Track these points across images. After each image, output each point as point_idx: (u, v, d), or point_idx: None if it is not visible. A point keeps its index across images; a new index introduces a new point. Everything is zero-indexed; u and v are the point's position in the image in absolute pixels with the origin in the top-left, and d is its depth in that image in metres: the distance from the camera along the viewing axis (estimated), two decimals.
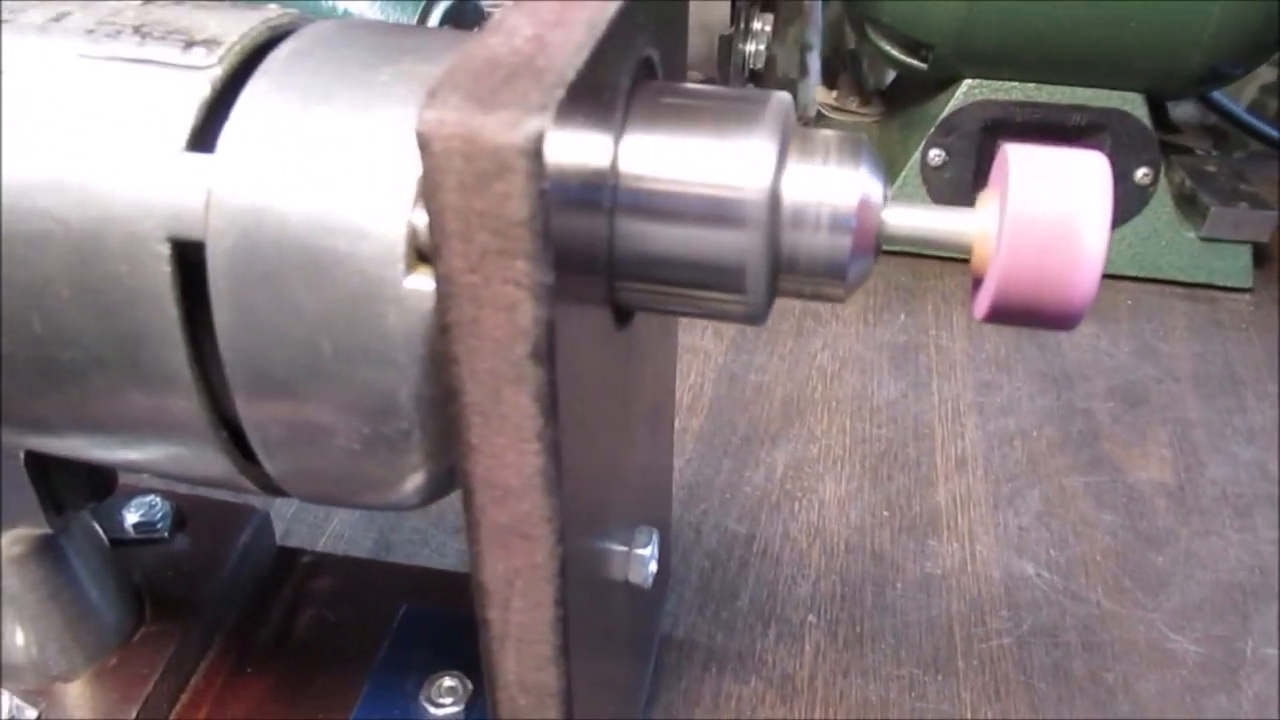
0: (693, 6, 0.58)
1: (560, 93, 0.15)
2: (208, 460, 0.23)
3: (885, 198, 0.21)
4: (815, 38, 0.83)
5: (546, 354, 0.17)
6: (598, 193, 0.19)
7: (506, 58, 0.16)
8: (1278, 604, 0.42)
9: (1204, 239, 0.59)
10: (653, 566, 0.28)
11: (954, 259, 0.62)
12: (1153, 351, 0.56)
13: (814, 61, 0.84)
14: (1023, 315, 0.20)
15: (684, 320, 0.57)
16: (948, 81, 0.60)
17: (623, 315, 0.22)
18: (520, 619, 0.21)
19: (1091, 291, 0.19)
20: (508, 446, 0.18)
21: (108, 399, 0.22)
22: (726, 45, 0.56)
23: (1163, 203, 0.59)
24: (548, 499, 0.18)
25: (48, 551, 0.32)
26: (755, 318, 0.21)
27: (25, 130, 0.20)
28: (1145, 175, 0.58)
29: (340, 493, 0.24)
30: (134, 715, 0.33)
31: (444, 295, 0.16)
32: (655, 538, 0.28)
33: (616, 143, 0.20)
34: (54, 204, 0.20)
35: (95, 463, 0.27)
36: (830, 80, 0.79)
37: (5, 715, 0.32)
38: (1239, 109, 0.73)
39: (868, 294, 0.60)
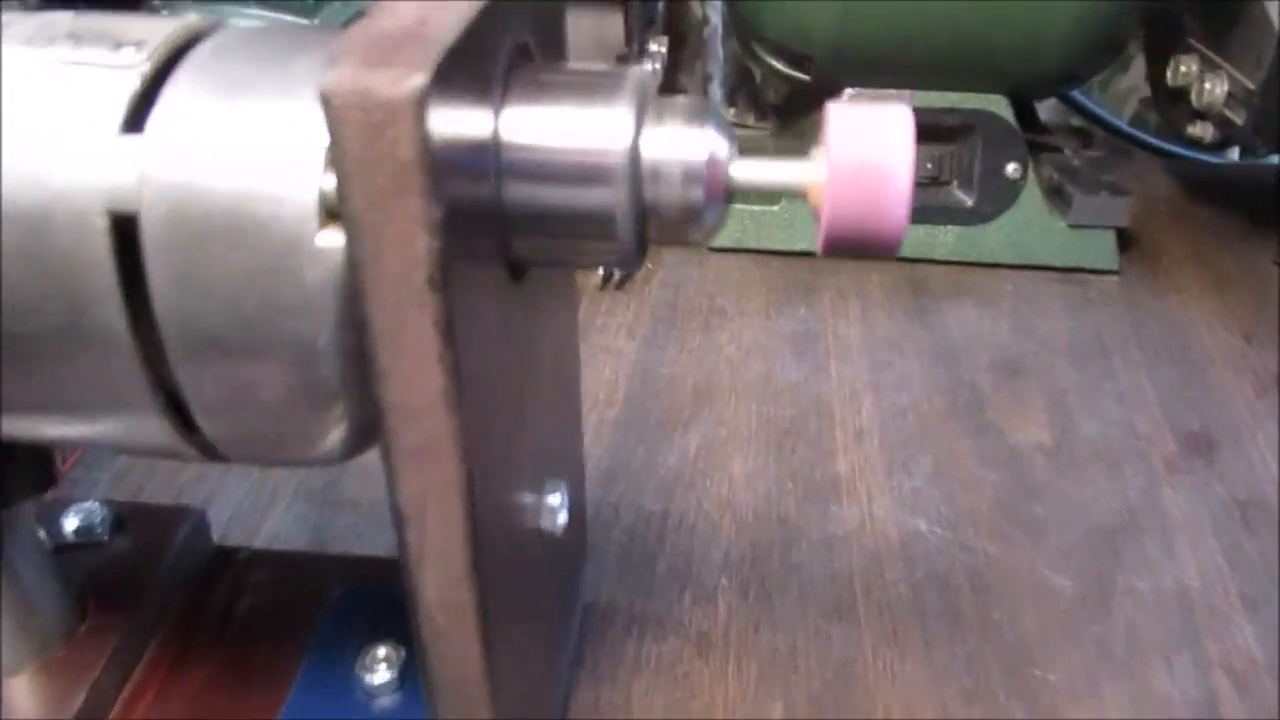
0: (591, 26, 0.62)
1: (438, 55, 0.18)
2: (149, 427, 0.26)
3: (732, 153, 0.24)
4: (716, 69, 0.88)
5: (442, 282, 0.20)
6: (482, 158, 0.22)
7: (394, 31, 0.19)
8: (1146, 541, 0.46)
9: (1071, 226, 0.64)
10: (562, 516, 0.31)
11: (849, 258, 0.66)
12: (1031, 328, 0.60)
13: (715, 92, 0.89)
14: (852, 245, 0.24)
15: (597, 322, 0.60)
16: (831, 91, 0.64)
17: (518, 271, 0.26)
18: (435, 537, 0.23)
19: (904, 218, 0.23)
20: (414, 370, 0.21)
21: (58, 368, 0.24)
22: (621, 65, 0.60)
23: (1033, 195, 0.65)
24: (451, 418, 0.21)
25: None
26: (629, 263, 0.24)
27: None
28: (1015, 170, 0.64)
29: (272, 449, 0.26)
30: (79, 703, 0.34)
31: (350, 234, 0.19)
32: (564, 488, 0.31)
33: (497, 115, 0.23)
34: (4, 188, 0.22)
35: (47, 441, 0.29)
36: (731, 98, 0.84)
37: None
38: (1097, 107, 0.79)
39: (770, 290, 0.64)
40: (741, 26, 0.65)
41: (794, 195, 0.24)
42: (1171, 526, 0.47)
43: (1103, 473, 0.50)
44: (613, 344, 0.59)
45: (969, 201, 0.65)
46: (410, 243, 0.19)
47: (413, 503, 0.23)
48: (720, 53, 0.88)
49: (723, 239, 0.67)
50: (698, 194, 0.23)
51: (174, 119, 0.22)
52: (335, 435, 0.25)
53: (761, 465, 0.50)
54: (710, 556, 0.45)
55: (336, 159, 0.19)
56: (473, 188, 0.22)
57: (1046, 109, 0.81)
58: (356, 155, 0.18)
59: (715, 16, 0.87)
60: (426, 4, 0.21)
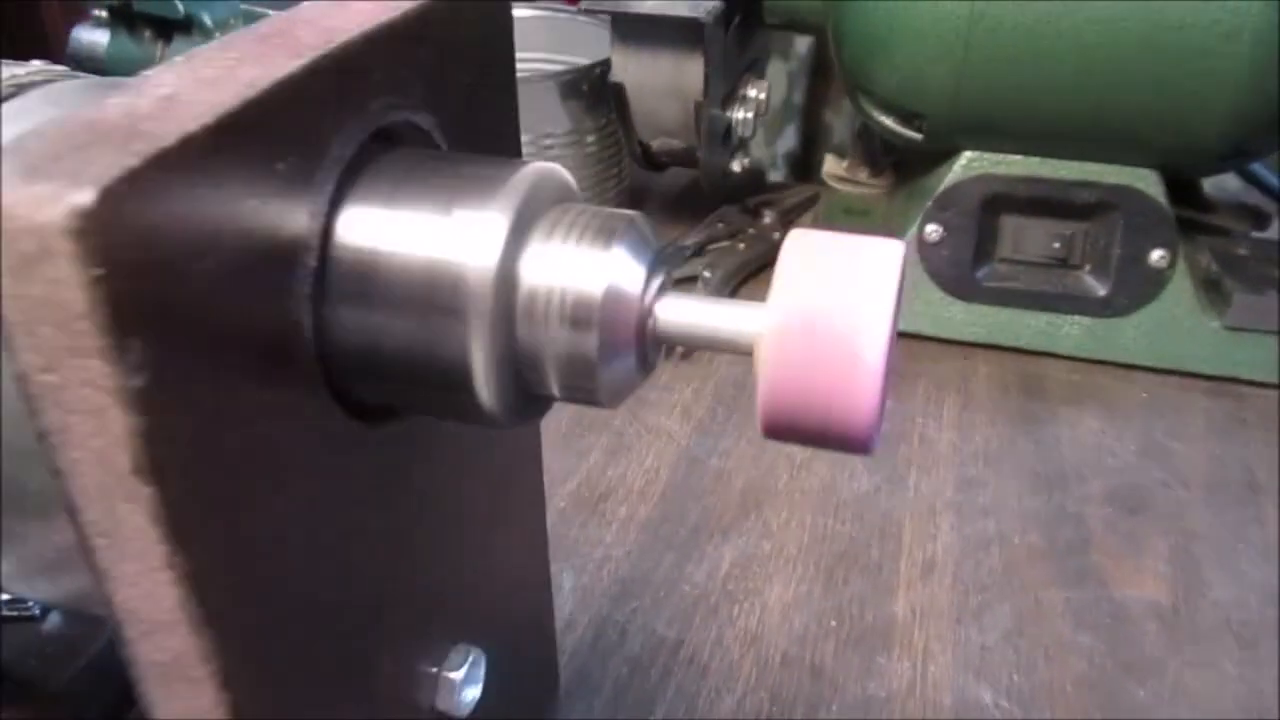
0: (669, 68, 0.56)
1: (134, 161, 0.13)
2: None
3: (657, 286, 0.18)
4: None
5: (153, 470, 0.14)
6: (286, 275, 0.17)
7: (113, 119, 0.14)
8: None
9: (1228, 328, 0.54)
10: (470, 692, 0.25)
11: (951, 340, 0.58)
12: (1163, 451, 0.50)
13: None
14: (801, 431, 0.17)
15: (650, 397, 0.54)
16: (948, 153, 0.56)
17: (375, 411, 0.20)
18: None
19: (873, 405, 0.16)
20: (140, 574, 0.15)
21: None
22: (699, 111, 0.54)
23: (1182, 287, 0.54)
24: (197, 638, 0.16)
25: None
26: (498, 422, 0.18)
27: None
28: (1161, 258, 0.54)
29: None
30: None
31: (26, 396, 0.14)
32: (476, 659, 0.25)
33: (325, 218, 0.17)
34: None
35: None
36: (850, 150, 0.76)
37: None
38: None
39: None
40: (849, 79, 0.58)
41: (736, 351, 0.18)
42: None
43: (1230, 653, 0.40)
44: (663, 424, 0.52)
45: (1102, 290, 0.55)
46: (103, 417, 0.13)
47: None
48: None
49: None
50: (588, 341, 0.17)
51: None
52: None
53: (803, 594, 0.42)
54: (720, 704, 0.38)
55: None
56: (261, 314, 0.16)
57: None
58: (14, 296, 0.13)
59: None
60: (221, 62, 0.15)
